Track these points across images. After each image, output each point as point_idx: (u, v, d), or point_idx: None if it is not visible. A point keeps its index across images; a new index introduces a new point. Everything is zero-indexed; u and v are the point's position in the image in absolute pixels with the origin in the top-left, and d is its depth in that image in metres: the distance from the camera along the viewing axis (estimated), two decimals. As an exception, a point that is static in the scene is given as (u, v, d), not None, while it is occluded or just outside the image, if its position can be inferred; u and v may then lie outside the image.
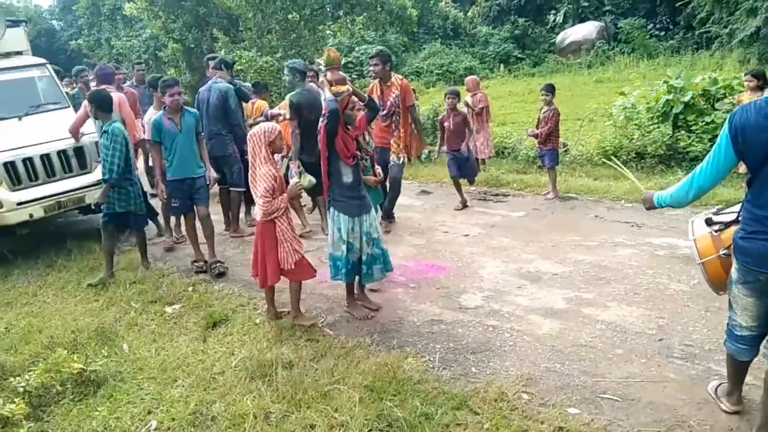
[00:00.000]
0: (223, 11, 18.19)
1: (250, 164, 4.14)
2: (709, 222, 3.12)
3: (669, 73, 10.40)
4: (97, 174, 6.58)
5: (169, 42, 19.67)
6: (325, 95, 4.19)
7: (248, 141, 4.12)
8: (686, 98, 8.71)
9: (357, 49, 21.73)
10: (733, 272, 2.83)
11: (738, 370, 3.05)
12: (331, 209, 4.33)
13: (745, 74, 7.63)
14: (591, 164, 9.08)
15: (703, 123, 8.44)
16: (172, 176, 5.60)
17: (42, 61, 7.67)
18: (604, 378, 3.50)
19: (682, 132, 8.68)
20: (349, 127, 4.30)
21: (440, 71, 22.43)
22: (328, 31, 19.95)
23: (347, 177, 4.26)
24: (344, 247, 4.26)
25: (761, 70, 7.34)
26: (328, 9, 18.98)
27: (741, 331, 2.88)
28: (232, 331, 4.38)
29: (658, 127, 9.02)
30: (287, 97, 5.98)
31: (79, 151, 6.55)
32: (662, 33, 21.37)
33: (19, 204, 6.08)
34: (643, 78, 13.50)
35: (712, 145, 8.17)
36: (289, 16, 16.38)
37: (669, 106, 8.92)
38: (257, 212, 4.19)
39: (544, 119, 7.56)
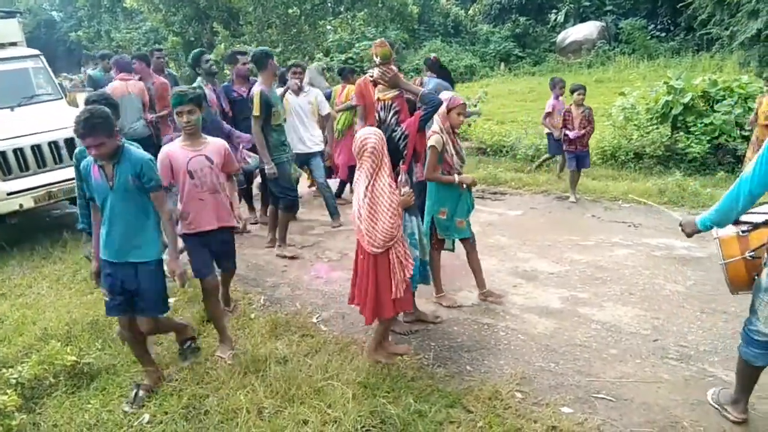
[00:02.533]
0: (223, 5, 18.15)
1: (366, 181, 3.39)
2: (735, 221, 2.94)
3: (669, 74, 10.39)
4: None
5: (169, 35, 19.61)
6: (410, 89, 3.91)
7: (369, 148, 3.36)
8: (686, 99, 8.72)
9: (357, 45, 21.66)
10: (764, 278, 2.74)
11: (750, 377, 2.98)
12: (405, 214, 3.78)
13: (765, 77, 7.69)
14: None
15: (702, 124, 8.45)
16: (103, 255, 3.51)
17: (36, 52, 7.66)
18: (598, 378, 3.50)
19: (681, 133, 8.69)
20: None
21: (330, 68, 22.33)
22: (328, 27, 19.93)
23: (416, 176, 4.07)
24: (417, 252, 3.90)
25: None
26: (329, 4, 18.95)
27: (760, 336, 2.81)
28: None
29: (657, 128, 9.03)
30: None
31: (70, 142, 6.53)
32: (663, 34, 21.35)
33: (9, 194, 6.07)
34: (643, 79, 13.51)
35: (710, 147, 8.21)
36: (290, 11, 16.35)
37: (668, 107, 8.92)
38: (372, 240, 3.43)
39: (584, 118, 7.23)
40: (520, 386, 3.43)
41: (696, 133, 8.47)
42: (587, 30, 22.08)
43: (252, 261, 5.77)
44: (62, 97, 7.61)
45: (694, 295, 4.54)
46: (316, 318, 4.49)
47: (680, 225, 3.16)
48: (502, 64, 22.99)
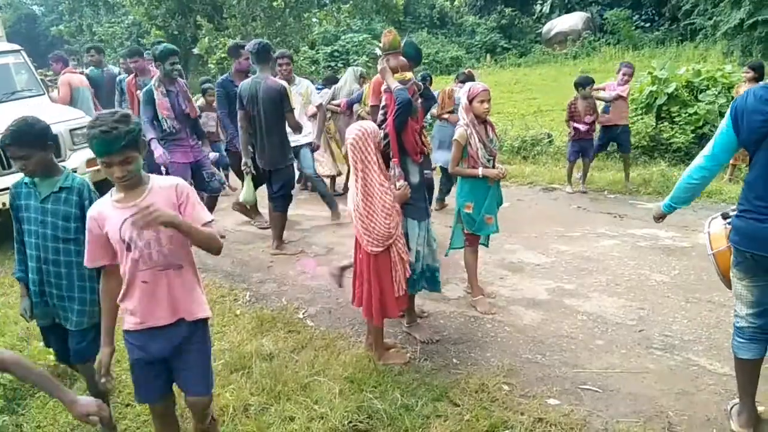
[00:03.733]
0: (207, -2, 17.98)
1: (352, 174, 3.44)
2: (725, 216, 3.04)
3: (653, 64, 10.44)
4: (71, 162, 6.47)
5: (151, 29, 19.37)
6: (390, 83, 3.62)
7: (349, 144, 3.38)
8: (670, 90, 8.75)
9: (343, 37, 21.56)
10: (732, 258, 2.82)
11: (743, 373, 2.87)
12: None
13: (744, 65, 7.73)
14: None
15: (687, 114, 8.49)
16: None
17: (16, 47, 7.52)
18: (584, 369, 3.51)
19: (666, 123, 8.73)
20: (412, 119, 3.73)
21: (426, 60, 22.34)
22: (313, 19, 19.80)
23: (414, 176, 3.71)
24: (412, 256, 3.71)
25: (759, 63, 7.39)
26: (314, -4, 18.84)
27: (741, 322, 2.82)
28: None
29: (642, 119, 9.06)
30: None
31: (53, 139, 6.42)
32: (647, 24, 21.45)
33: None
34: (627, 69, 13.53)
35: (695, 137, 8.26)
36: (274, 3, 16.21)
37: (653, 98, 8.96)
38: (370, 239, 3.39)
39: (590, 107, 7.17)
40: (506, 378, 3.43)
41: (680, 122, 8.51)
42: (573, 21, 22.13)
43: (237, 257, 5.73)
44: (44, 93, 7.49)
45: (678, 284, 4.56)
46: (303, 313, 4.47)
47: (653, 216, 3.31)
48: (488, 55, 23.00)
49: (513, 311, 4.30)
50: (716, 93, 8.57)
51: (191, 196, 2.38)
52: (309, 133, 6.56)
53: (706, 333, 3.82)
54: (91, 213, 2.38)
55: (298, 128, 5.54)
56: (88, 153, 6.61)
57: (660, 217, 3.23)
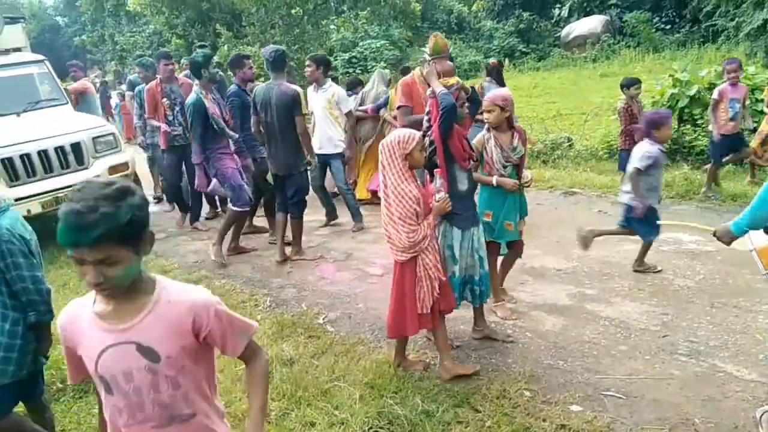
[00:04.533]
0: (226, 6, 18.18)
1: (380, 182, 3.35)
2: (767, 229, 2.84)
3: (674, 66, 10.32)
4: (94, 170, 6.57)
5: (172, 37, 19.67)
6: (435, 88, 3.53)
7: (379, 147, 3.33)
8: (692, 92, 8.64)
9: (361, 44, 21.64)
10: None
11: None
12: (443, 223, 3.60)
13: None
14: (596, 159, 9.02)
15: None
16: None
17: (40, 57, 7.67)
18: (607, 375, 3.47)
19: (688, 126, 8.61)
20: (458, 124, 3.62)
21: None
22: (331, 26, 19.92)
23: (462, 184, 3.56)
24: (456, 268, 3.61)
25: None
26: (332, 3, 18.93)
27: None
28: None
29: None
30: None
31: (76, 147, 6.53)
32: (668, 26, 21.22)
33: (17, 200, 6.06)
34: (648, 72, 13.44)
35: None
36: (293, 11, 16.35)
37: (674, 100, 8.84)
38: (391, 245, 3.32)
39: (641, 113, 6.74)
40: (528, 384, 3.40)
41: (703, 125, 8.38)
42: (591, 24, 21.97)
43: (257, 262, 5.76)
44: (67, 102, 7.63)
45: (703, 289, 4.49)
46: (323, 319, 4.47)
47: (714, 235, 3.02)
48: (507, 60, 22.92)
49: (534, 316, 4.26)
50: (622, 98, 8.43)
51: (221, 313, 1.71)
52: (339, 141, 6.42)
53: (732, 339, 3.75)
54: (61, 321, 1.72)
55: (305, 134, 5.47)
56: (110, 160, 6.72)
57: (730, 240, 2.97)
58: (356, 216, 6.51)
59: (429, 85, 3.72)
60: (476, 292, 3.75)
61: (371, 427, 3.04)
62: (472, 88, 3.79)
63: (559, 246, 5.60)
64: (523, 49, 23.61)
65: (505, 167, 4.02)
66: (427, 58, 3.96)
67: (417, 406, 3.18)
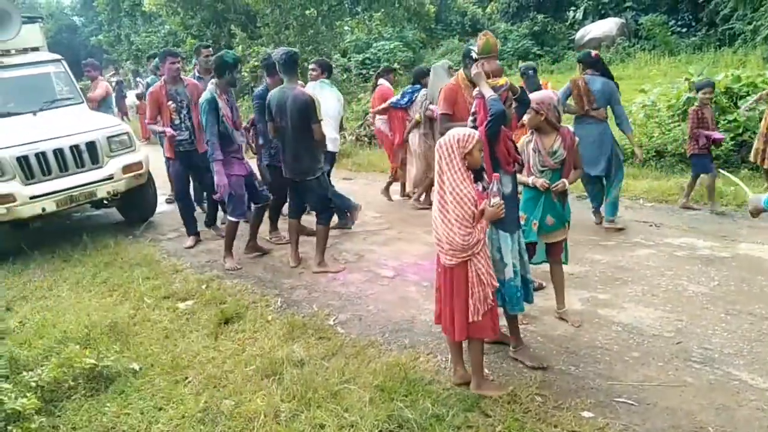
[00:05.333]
0: (241, 7, 18.23)
1: (436, 182, 3.25)
2: None
3: (690, 70, 10.22)
4: (108, 169, 6.62)
5: (187, 38, 19.74)
6: (484, 91, 3.43)
7: (436, 147, 3.24)
8: (708, 96, 8.54)
9: (375, 45, 21.64)
10: None
11: None
12: (489, 227, 3.42)
13: None
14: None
15: (726, 121, 8.27)
16: None
17: (57, 56, 7.73)
18: (619, 381, 3.43)
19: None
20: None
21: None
22: (345, 27, 19.91)
23: (507, 187, 3.47)
24: (510, 271, 3.49)
25: None
26: (346, 5, 18.94)
27: None
28: (244, 328, 4.36)
29: (679, 125, 8.85)
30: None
31: (91, 145, 6.58)
32: (684, 30, 21.01)
33: (32, 198, 6.13)
34: (663, 75, 13.28)
35: (734, 144, 7.97)
36: (307, 12, 16.36)
37: (690, 104, 8.74)
38: (442, 249, 3.22)
39: (713, 117, 6.65)
40: (539, 390, 3.37)
41: (719, 130, 8.30)
42: (606, 27, 21.81)
43: (269, 263, 5.77)
44: (83, 101, 7.69)
45: (718, 296, 4.44)
46: (333, 320, 4.47)
47: (749, 203, 2.95)
48: (521, 62, 22.82)
49: (546, 321, 4.23)
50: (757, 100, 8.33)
51: None
52: (334, 139, 6.46)
53: (747, 346, 3.70)
54: None
55: (323, 142, 5.37)
56: (124, 160, 6.76)
57: (758, 213, 2.91)
58: (341, 216, 6.39)
59: (475, 85, 3.61)
60: (530, 290, 3.68)
61: (381, 430, 3.03)
62: (521, 88, 3.67)
63: (571, 250, 5.51)
64: (538, 52, 23.47)
65: (542, 172, 3.92)
66: (475, 57, 3.83)
67: (427, 410, 3.16)
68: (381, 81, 8.01)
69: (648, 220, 6.30)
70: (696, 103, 6.55)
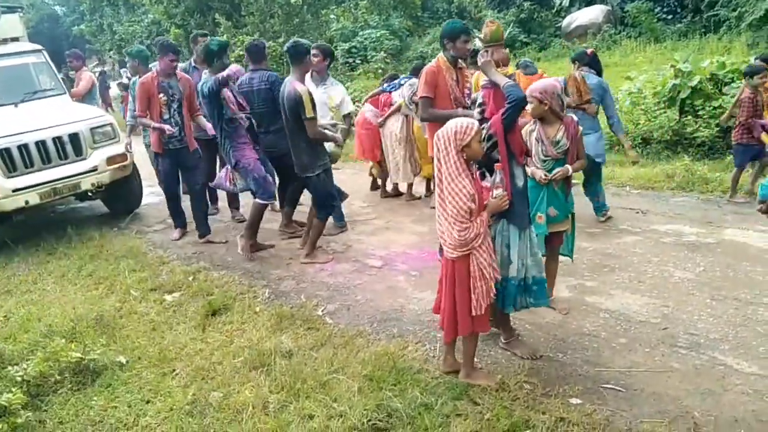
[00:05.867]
0: (225, -5, 18.07)
1: (435, 176, 3.20)
2: None
3: (676, 57, 10.25)
4: (92, 160, 6.54)
5: (171, 27, 19.53)
6: (496, 79, 3.32)
7: (434, 140, 3.15)
8: (693, 83, 8.57)
9: (361, 33, 21.52)
10: None
11: None
12: (500, 221, 3.38)
13: (756, 59, 7.50)
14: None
15: (711, 108, 8.31)
16: None
17: (38, 47, 7.61)
18: (607, 368, 3.45)
19: (689, 117, 8.56)
20: None
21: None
22: (331, 16, 19.79)
23: (519, 179, 3.35)
24: (515, 269, 3.39)
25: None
26: (332, -7, 18.83)
27: None
28: (231, 320, 4.34)
29: (665, 113, 8.90)
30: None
31: (74, 137, 6.49)
32: (669, 17, 21.06)
33: (15, 191, 6.05)
34: (649, 62, 13.34)
35: (719, 131, 7.96)
36: (292, 1, 16.24)
37: (676, 91, 8.78)
38: (444, 242, 3.17)
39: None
40: (528, 377, 3.38)
41: (704, 116, 8.34)
42: (593, 14, 21.82)
43: (257, 254, 5.73)
44: (65, 93, 7.59)
45: (703, 282, 4.47)
46: (322, 310, 4.46)
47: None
48: (507, 50, 22.78)
49: (534, 309, 4.23)
50: (741, 86, 8.38)
51: None
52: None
53: (732, 331, 3.74)
54: None
55: (318, 135, 5.12)
56: (108, 151, 6.69)
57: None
58: (339, 218, 6.27)
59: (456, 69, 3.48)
60: (544, 291, 3.54)
61: (370, 420, 3.03)
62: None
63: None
64: (524, 39, 23.45)
65: (544, 161, 3.85)
66: (480, 45, 3.71)
67: (416, 399, 3.17)
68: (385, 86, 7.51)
69: (634, 207, 6.34)
70: (748, 90, 6.23)
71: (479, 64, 3.51)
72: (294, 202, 6.18)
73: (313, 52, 5.89)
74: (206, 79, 5.33)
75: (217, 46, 5.38)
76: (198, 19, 18.68)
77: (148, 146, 6.92)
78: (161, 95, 5.80)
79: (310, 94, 4.97)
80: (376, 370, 3.45)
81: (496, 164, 3.17)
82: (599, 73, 5.98)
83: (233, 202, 6.99)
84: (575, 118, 3.83)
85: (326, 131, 5.33)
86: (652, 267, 4.79)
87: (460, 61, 4.76)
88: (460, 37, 4.58)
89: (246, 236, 5.62)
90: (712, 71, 8.77)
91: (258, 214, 5.59)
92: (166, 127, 5.79)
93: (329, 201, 5.41)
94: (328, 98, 6.06)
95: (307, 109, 4.90)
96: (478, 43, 3.87)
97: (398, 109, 6.92)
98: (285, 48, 5.29)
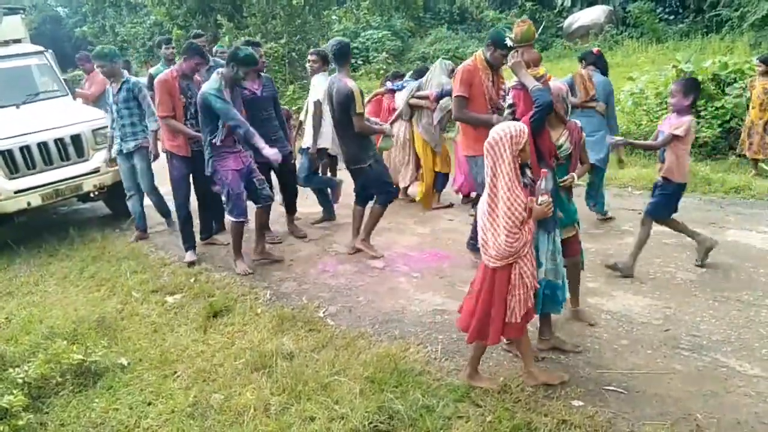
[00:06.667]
0: (227, -4, 18.06)
1: (488, 185, 3.03)
2: None
3: (678, 57, 10.24)
4: (94, 162, 6.55)
5: (173, 28, 19.52)
6: (526, 81, 3.31)
7: (485, 145, 2.98)
8: (695, 83, 8.56)
9: (363, 34, 21.52)
10: None
11: None
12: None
13: (756, 59, 7.50)
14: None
15: (713, 108, 8.30)
16: None
17: (40, 48, 7.62)
18: (609, 370, 3.45)
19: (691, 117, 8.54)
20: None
21: (447, 57, 22.14)
22: (333, 17, 19.77)
23: (549, 183, 3.23)
24: (542, 272, 3.41)
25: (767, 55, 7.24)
26: (333, -6, 18.82)
27: None
28: (233, 321, 4.34)
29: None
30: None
31: (76, 138, 6.50)
32: (671, 17, 21.04)
33: (17, 192, 6.05)
34: (651, 63, 13.31)
35: (722, 131, 7.97)
36: (294, 2, 16.22)
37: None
38: (487, 252, 3.07)
39: None
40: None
41: (706, 116, 8.33)
42: (594, 14, 21.78)
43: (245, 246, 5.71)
44: (68, 94, 7.59)
45: (706, 283, 4.46)
46: (323, 312, 4.45)
47: None
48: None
49: (535, 310, 4.23)
50: (744, 86, 8.37)
51: None
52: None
53: (735, 333, 3.73)
54: None
55: (365, 129, 5.22)
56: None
57: None
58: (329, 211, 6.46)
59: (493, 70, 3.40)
60: (558, 298, 3.54)
61: (371, 422, 3.03)
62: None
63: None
64: (526, 40, 23.43)
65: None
66: (510, 45, 3.65)
67: (417, 401, 3.16)
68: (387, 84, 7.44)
69: (636, 208, 6.30)
70: None
71: (509, 65, 3.48)
72: (290, 206, 6.23)
73: (311, 58, 6.03)
74: (216, 79, 4.95)
75: (244, 55, 4.96)
76: (200, 20, 18.68)
77: (136, 149, 6.14)
78: (181, 97, 5.54)
79: (360, 90, 5.11)
80: (378, 372, 3.45)
81: (542, 170, 3.11)
82: (604, 72, 6.00)
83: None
84: (579, 123, 3.79)
85: (373, 125, 5.47)
86: (654, 268, 4.78)
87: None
88: (503, 50, 4.40)
89: (236, 257, 5.38)
90: (714, 71, 8.75)
91: (236, 233, 5.34)
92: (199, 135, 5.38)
93: (386, 187, 5.48)
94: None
95: (357, 105, 5.04)
96: (509, 43, 3.81)
97: (400, 115, 6.89)
98: (330, 48, 5.34)
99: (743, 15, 14.09)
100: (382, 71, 17.12)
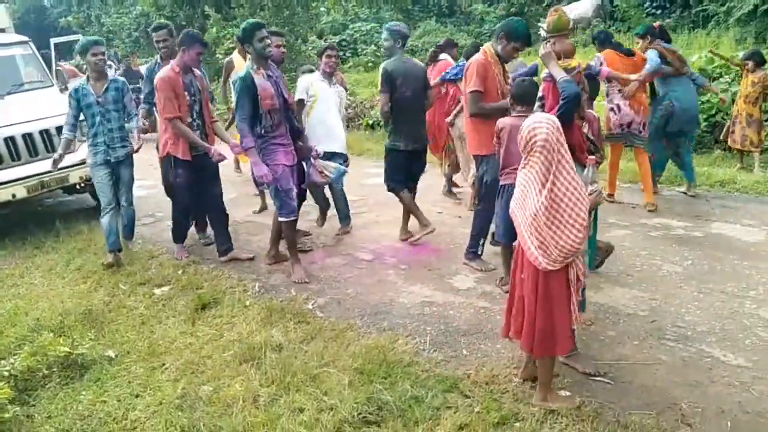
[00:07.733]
0: (214, -13, 17.91)
1: (540, 180, 2.74)
2: None
3: (665, 51, 10.26)
4: (80, 153, 6.48)
5: (159, 19, 19.36)
6: (555, 73, 3.20)
7: (540, 141, 2.69)
8: (682, 77, 8.61)
9: (351, 26, 21.43)
10: None
11: None
12: None
13: (742, 57, 7.58)
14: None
15: (699, 102, 8.35)
16: None
17: (24, 38, 7.53)
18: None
19: (678, 111, 8.59)
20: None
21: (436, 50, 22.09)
22: (321, 8, 19.68)
23: (595, 172, 3.16)
24: None
25: (750, 51, 7.38)
26: (322, -15, 18.73)
27: None
28: (221, 314, 4.33)
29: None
30: (382, 65, 5.28)
31: (61, 130, 6.42)
32: (659, 11, 21.11)
33: (2, 184, 5.98)
34: (639, 57, 13.37)
35: (708, 125, 8.06)
36: (282, -7, 16.13)
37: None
38: (546, 254, 2.77)
39: None
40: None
41: (693, 110, 8.38)
42: (582, 8, 21.83)
43: (246, 247, 5.71)
44: (53, 85, 7.52)
45: (691, 275, 4.51)
46: (312, 304, 4.45)
47: None
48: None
49: (523, 302, 4.26)
50: (730, 80, 8.44)
51: None
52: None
53: (719, 324, 3.78)
54: None
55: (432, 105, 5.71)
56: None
57: None
58: (345, 219, 6.09)
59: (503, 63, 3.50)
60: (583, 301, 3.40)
61: (360, 413, 3.03)
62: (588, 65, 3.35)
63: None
64: (515, 33, 23.44)
65: None
66: (545, 35, 3.57)
67: (406, 392, 3.17)
68: (443, 56, 6.86)
69: (623, 200, 6.37)
70: None
71: (540, 55, 3.42)
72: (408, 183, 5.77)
73: (332, 53, 5.70)
74: (249, 65, 4.58)
75: (250, 25, 4.56)
76: (187, 11, 18.55)
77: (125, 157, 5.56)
78: (185, 94, 5.03)
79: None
80: (367, 364, 3.45)
81: (589, 158, 3.00)
82: (669, 42, 6.40)
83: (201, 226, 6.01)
84: (596, 114, 3.74)
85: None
86: (641, 260, 4.83)
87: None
88: (517, 43, 4.33)
89: (293, 262, 4.97)
90: (701, 66, 8.82)
91: (288, 233, 4.92)
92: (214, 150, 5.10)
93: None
94: (338, 99, 5.91)
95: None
96: (542, 33, 3.78)
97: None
98: (389, 31, 5.25)
99: (729, 10, 14.18)
100: (370, 64, 17.07)
